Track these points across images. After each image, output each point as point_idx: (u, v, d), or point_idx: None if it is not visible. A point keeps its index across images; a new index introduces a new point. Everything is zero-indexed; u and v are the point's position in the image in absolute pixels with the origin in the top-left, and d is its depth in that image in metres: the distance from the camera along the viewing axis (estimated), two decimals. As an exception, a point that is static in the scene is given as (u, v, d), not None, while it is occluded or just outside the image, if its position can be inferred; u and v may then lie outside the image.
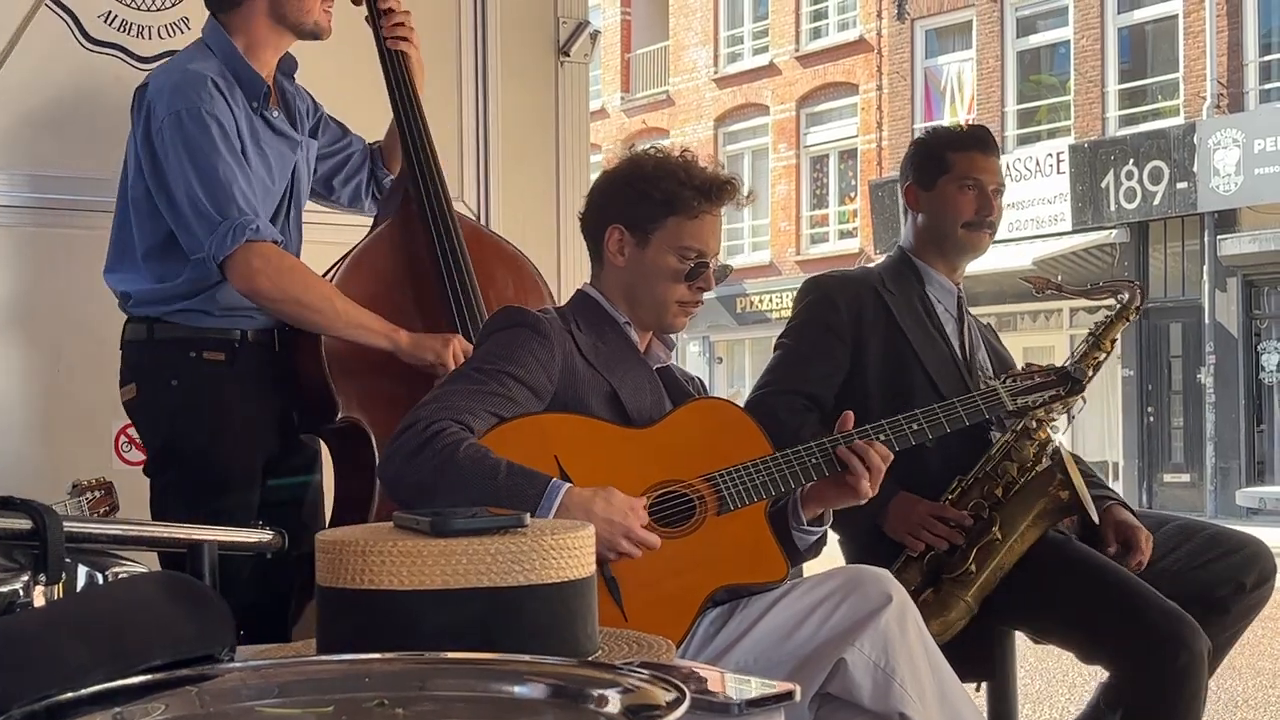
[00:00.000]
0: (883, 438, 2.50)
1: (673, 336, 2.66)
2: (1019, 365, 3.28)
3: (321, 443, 3.08)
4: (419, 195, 2.99)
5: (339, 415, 2.87)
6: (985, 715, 3.15)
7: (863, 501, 2.50)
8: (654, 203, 2.50)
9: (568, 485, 2.19)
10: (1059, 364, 2.91)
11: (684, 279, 2.51)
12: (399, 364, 2.85)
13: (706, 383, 2.98)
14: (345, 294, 2.86)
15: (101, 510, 2.69)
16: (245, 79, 2.87)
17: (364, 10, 3.12)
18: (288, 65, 3.03)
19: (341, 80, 3.28)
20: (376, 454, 2.84)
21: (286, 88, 3.03)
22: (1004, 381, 2.80)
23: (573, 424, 2.39)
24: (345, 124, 3.21)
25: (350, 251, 2.99)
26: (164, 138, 2.76)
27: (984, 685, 3.24)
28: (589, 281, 2.64)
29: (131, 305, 2.92)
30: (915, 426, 2.56)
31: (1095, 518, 2.94)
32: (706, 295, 2.60)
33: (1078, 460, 3.25)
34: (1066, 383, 2.80)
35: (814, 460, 2.46)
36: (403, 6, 3.13)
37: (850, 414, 2.52)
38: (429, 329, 2.90)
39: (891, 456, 2.50)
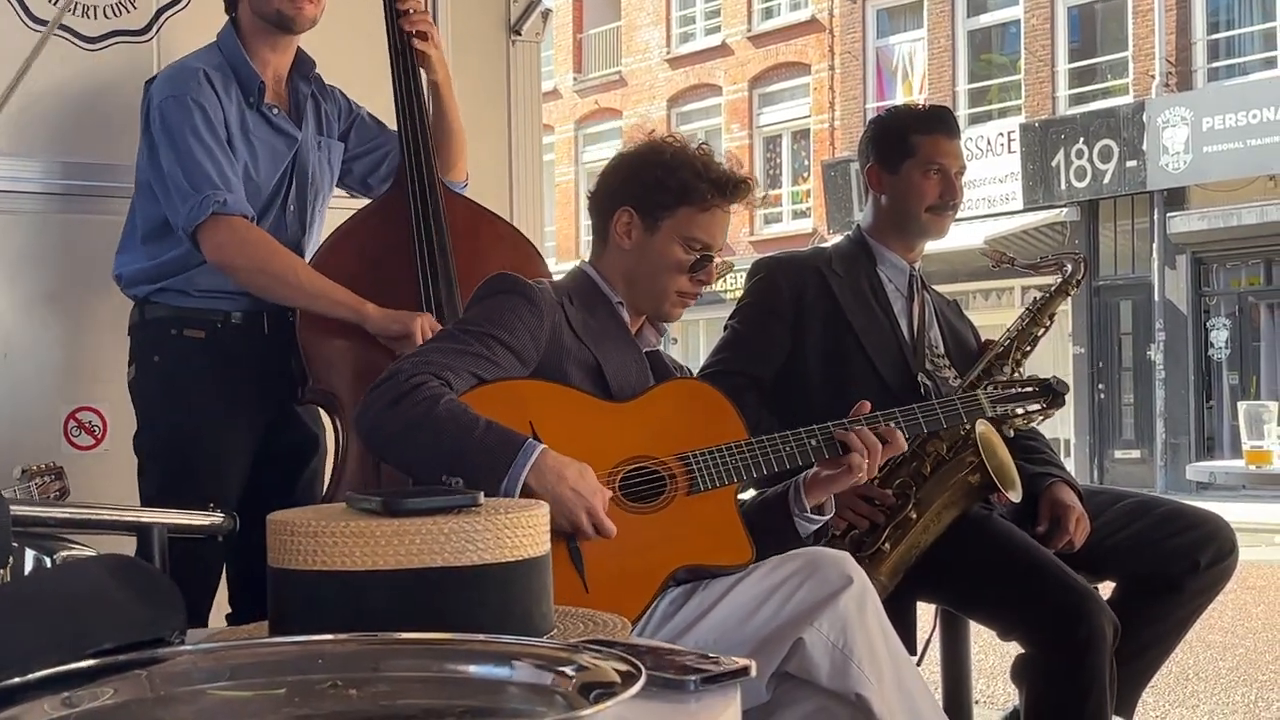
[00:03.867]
0: None
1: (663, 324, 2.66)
2: (978, 341, 3.29)
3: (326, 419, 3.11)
4: (408, 179, 3.04)
5: (310, 384, 2.94)
6: (939, 695, 3.17)
7: (858, 480, 2.50)
8: (668, 190, 2.51)
9: (544, 447, 2.18)
10: (1043, 376, 2.92)
11: (687, 270, 2.52)
12: (372, 340, 2.90)
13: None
14: (327, 269, 2.94)
15: (52, 495, 2.66)
16: (243, 75, 2.97)
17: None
18: (304, 67, 3.10)
19: (348, 67, 3.29)
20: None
21: (302, 88, 3.09)
22: (986, 388, 2.83)
23: (551, 392, 2.38)
24: (383, 122, 3.23)
25: (337, 229, 3.05)
26: (155, 123, 2.89)
27: (939, 662, 3.26)
28: (589, 260, 2.64)
29: (124, 286, 3.02)
30: (893, 425, 2.53)
31: (1014, 499, 2.91)
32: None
33: (1030, 436, 3.26)
34: (1048, 395, 2.82)
35: (789, 449, 2.46)
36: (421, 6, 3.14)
37: (866, 404, 2.53)
38: (406, 309, 2.92)
39: (903, 446, 2.52)
